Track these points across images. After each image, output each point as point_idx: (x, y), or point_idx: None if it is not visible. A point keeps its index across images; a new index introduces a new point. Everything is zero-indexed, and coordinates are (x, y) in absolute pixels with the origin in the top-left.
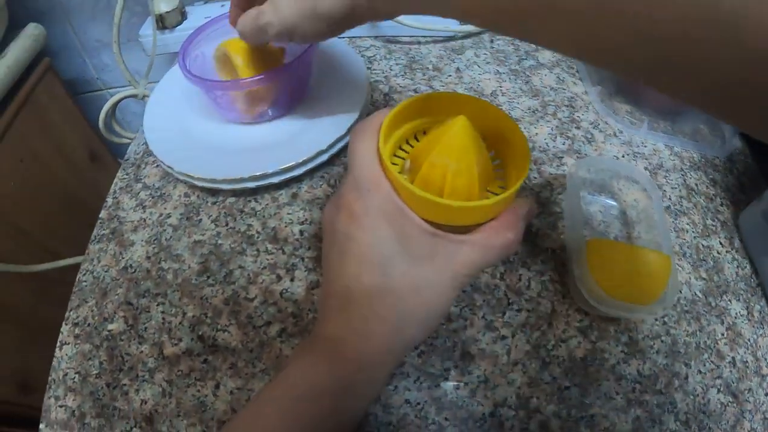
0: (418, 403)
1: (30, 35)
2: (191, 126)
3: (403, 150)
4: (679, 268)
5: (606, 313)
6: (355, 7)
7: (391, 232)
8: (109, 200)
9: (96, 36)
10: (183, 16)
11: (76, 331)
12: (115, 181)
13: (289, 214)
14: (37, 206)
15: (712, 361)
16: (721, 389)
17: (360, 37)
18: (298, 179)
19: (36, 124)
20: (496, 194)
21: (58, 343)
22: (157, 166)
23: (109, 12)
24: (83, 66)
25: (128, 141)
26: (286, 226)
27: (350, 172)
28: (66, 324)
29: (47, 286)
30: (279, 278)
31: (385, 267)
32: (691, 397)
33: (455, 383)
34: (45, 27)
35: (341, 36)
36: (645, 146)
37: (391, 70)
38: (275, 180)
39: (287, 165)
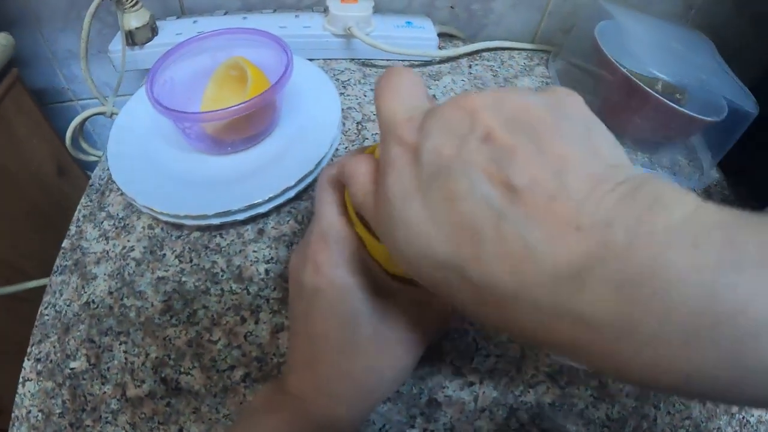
0: None
1: None
2: (157, 154)
3: None
4: None
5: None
6: None
7: (359, 288)
8: (73, 228)
9: (67, 46)
10: (154, 32)
11: (39, 367)
12: (78, 207)
13: (254, 251)
14: (3, 223)
15: (681, 402)
16: (690, 429)
17: (335, 59)
18: (264, 215)
19: (2, 138)
20: None
21: (21, 379)
22: (122, 193)
23: (80, 22)
24: (53, 76)
25: (96, 159)
26: (251, 265)
27: (317, 222)
28: (28, 359)
29: (15, 305)
30: (243, 320)
31: (353, 324)
32: None
33: (421, 431)
34: (14, 36)
35: (313, 58)
36: None
37: (365, 95)
38: (240, 217)
39: (253, 202)
